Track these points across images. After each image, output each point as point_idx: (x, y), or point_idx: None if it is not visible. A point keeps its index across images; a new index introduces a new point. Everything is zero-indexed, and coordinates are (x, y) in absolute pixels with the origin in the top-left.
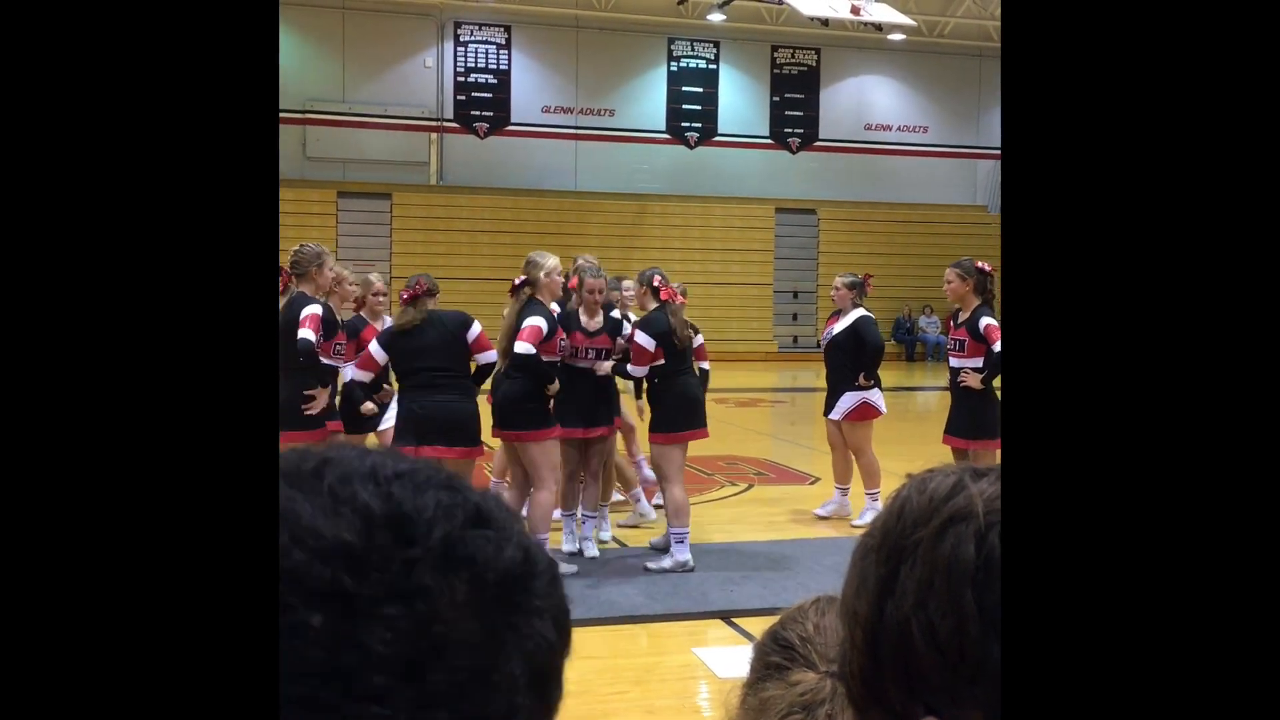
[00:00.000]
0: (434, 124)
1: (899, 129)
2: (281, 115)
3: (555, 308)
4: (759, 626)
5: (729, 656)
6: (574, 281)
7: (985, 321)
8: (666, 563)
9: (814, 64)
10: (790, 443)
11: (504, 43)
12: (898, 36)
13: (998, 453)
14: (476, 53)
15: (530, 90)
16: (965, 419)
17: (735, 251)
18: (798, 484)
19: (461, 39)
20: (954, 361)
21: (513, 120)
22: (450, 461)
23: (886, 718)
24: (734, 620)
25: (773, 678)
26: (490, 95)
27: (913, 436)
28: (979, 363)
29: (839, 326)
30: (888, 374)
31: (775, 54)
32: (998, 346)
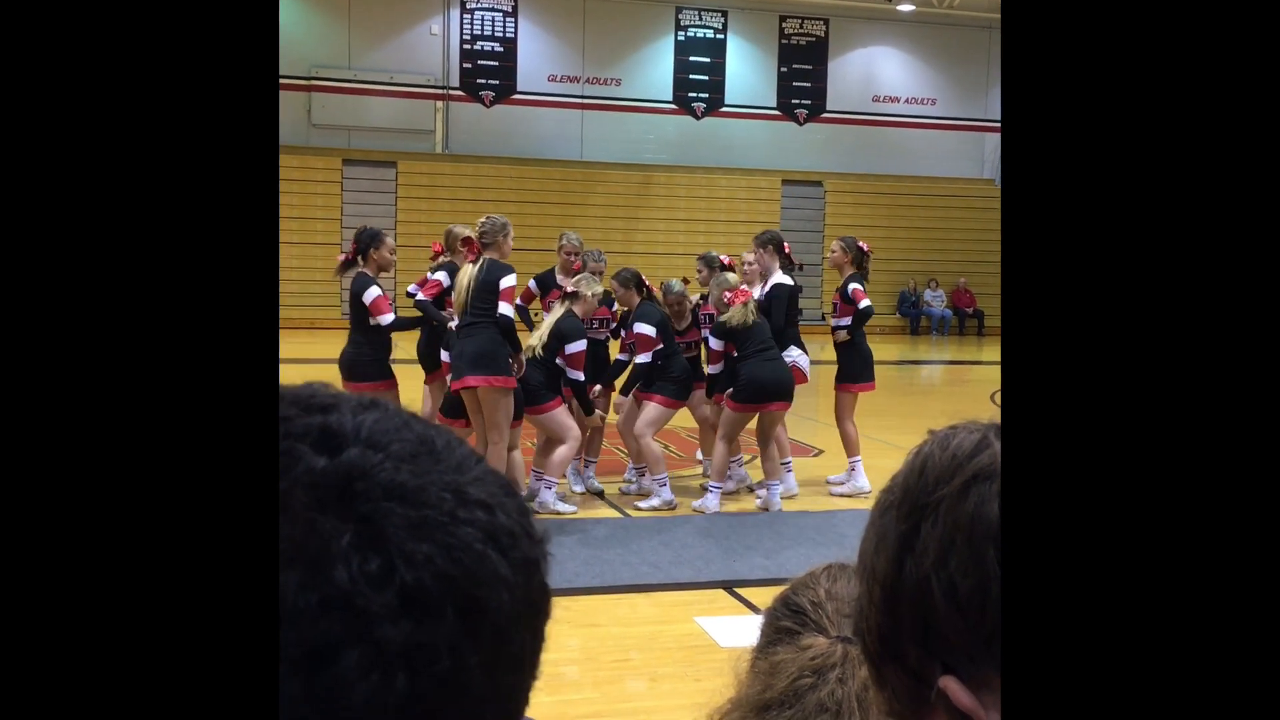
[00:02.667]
0: (440, 92)
1: (907, 101)
2: (287, 81)
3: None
4: (761, 597)
5: (731, 626)
6: (577, 264)
7: (853, 286)
8: (655, 502)
9: (822, 35)
10: (794, 414)
11: (510, 10)
12: (907, 8)
13: (845, 395)
14: (483, 20)
15: (536, 59)
16: (840, 368)
17: (741, 223)
18: (801, 456)
19: (468, 6)
20: (832, 321)
21: (519, 89)
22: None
23: (903, 675)
24: (736, 590)
25: (783, 642)
26: (496, 63)
27: (913, 410)
28: (847, 321)
29: (758, 292)
30: (893, 347)
31: (783, 24)
32: (864, 304)
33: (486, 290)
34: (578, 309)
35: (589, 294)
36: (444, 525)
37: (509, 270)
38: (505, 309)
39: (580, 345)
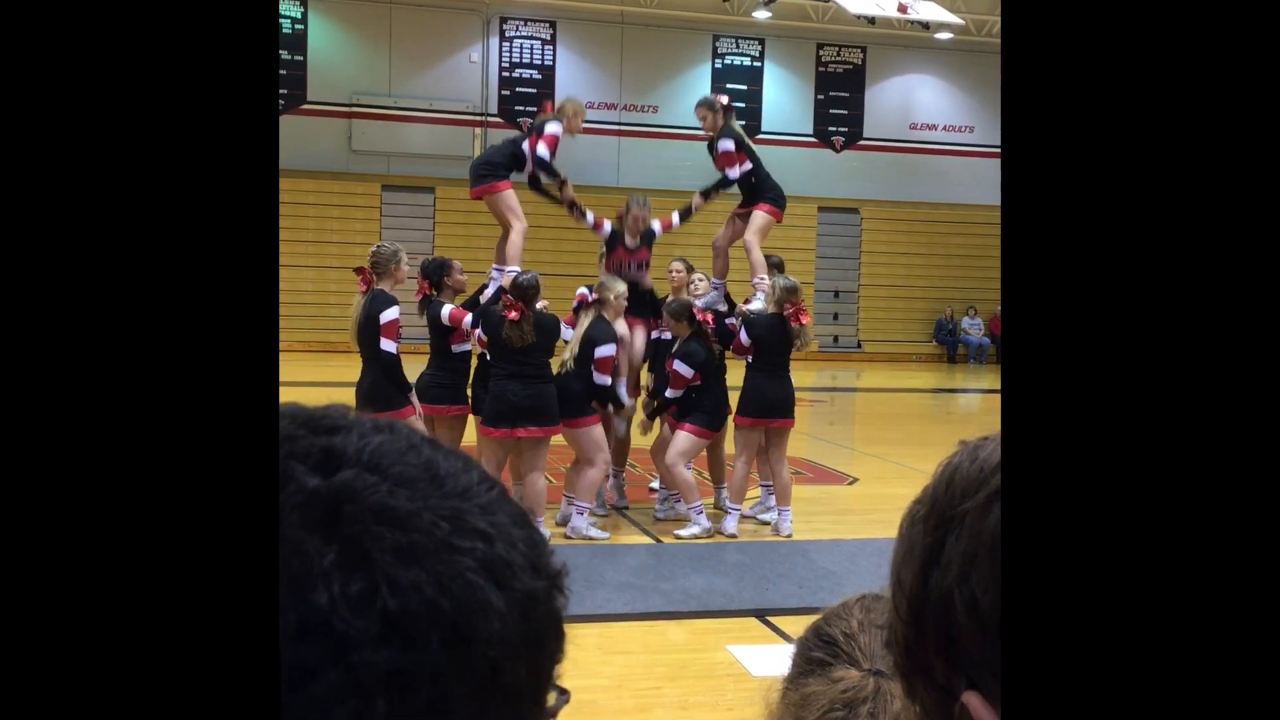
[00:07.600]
0: (478, 119)
1: (944, 128)
2: (328, 108)
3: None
4: (793, 625)
5: (763, 655)
6: (620, 213)
7: (724, 145)
8: (695, 530)
9: (859, 62)
10: (829, 443)
11: (549, 38)
12: (945, 35)
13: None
14: (521, 48)
15: (574, 86)
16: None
17: (777, 250)
18: (836, 484)
19: (507, 34)
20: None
21: None
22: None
23: (929, 689)
24: (768, 619)
25: (815, 674)
26: (534, 90)
27: (949, 439)
28: (736, 174)
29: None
30: (929, 375)
31: (820, 52)
32: (736, 173)
33: (371, 324)
34: (606, 313)
35: (612, 295)
36: (435, 552)
37: (391, 302)
38: (387, 345)
39: (608, 350)
